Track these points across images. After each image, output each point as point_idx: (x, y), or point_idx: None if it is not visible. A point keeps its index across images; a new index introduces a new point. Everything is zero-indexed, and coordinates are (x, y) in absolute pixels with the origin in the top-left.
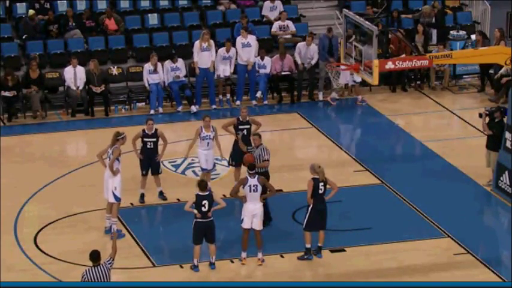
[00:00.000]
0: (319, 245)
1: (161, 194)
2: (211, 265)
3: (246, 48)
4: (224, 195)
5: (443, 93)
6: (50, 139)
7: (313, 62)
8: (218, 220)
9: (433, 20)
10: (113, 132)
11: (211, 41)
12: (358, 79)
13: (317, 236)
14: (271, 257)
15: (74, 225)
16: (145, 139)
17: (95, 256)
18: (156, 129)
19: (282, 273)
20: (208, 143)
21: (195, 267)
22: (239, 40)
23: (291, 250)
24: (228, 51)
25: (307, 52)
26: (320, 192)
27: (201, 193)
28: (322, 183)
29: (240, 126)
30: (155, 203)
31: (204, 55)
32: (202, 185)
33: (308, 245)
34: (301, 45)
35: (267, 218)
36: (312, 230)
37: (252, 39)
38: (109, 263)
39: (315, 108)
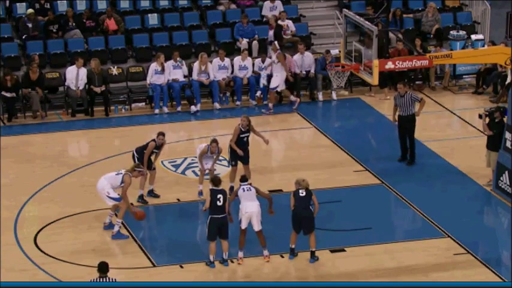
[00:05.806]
0: (312, 249)
1: (152, 192)
2: (225, 262)
3: (243, 71)
4: None
5: (443, 93)
6: (50, 139)
7: (312, 70)
8: None
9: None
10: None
11: (209, 64)
12: None
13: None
14: (271, 257)
15: (74, 225)
16: (155, 150)
17: (103, 267)
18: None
19: (281, 273)
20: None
21: (211, 263)
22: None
23: None
24: (222, 59)
25: (304, 62)
26: (301, 195)
27: (215, 188)
28: (302, 190)
29: (242, 135)
30: (155, 203)
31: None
32: (216, 180)
33: (292, 245)
34: (296, 57)
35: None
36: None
37: (248, 61)
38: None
39: (315, 108)
